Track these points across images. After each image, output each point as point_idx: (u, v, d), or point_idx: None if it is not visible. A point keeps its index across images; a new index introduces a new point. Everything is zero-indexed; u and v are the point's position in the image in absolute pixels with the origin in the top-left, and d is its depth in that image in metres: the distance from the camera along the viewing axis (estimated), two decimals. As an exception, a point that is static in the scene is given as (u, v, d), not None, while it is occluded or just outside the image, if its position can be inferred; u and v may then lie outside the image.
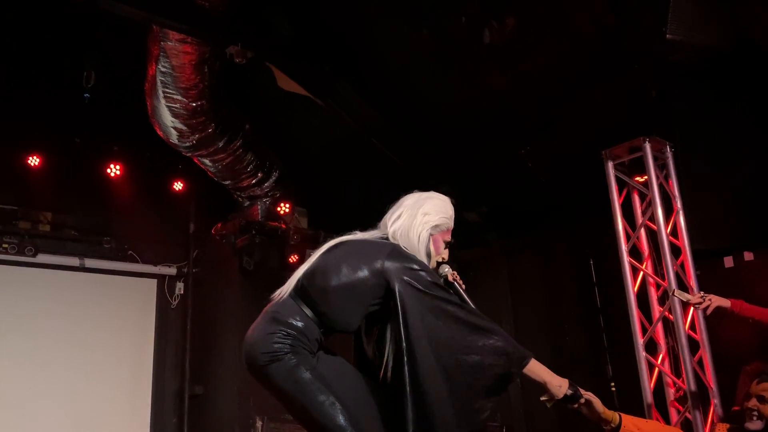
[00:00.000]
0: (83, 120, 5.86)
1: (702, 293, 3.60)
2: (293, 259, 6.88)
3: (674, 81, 4.48)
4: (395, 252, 2.41)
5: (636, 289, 4.51)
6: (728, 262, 4.60)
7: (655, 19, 3.83)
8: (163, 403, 7.00)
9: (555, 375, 2.39)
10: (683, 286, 4.33)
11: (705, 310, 3.56)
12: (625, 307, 4.46)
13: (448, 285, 2.56)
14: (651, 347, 4.44)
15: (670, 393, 4.34)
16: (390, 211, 2.62)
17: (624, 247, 4.56)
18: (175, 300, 7.27)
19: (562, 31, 4.66)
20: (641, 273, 4.56)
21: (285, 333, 2.31)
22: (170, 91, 5.26)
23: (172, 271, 7.23)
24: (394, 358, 2.34)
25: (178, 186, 6.92)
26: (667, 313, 4.37)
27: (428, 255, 2.54)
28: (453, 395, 2.27)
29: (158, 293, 7.17)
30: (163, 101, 5.34)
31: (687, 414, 4.16)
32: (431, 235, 2.56)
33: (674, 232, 4.46)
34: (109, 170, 6.38)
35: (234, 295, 6.92)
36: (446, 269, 2.61)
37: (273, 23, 5.46)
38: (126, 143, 6.45)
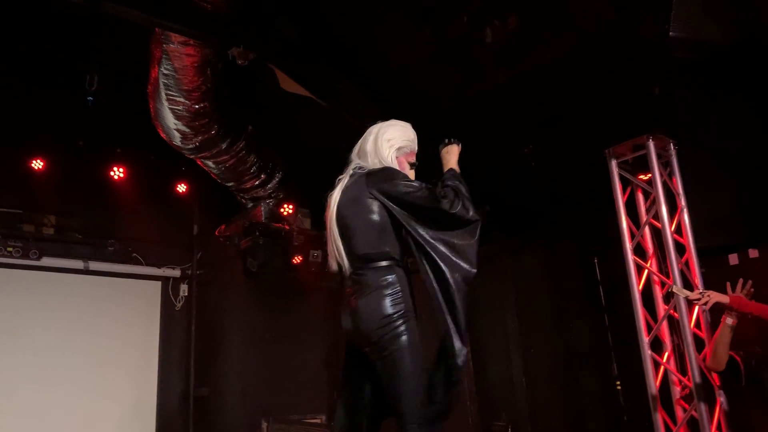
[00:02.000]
0: (87, 123, 5.89)
1: (701, 289, 3.61)
2: (297, 260, 6.89)
3: (677, 78, 4.46)
4: (371, 175, 2.78)
5: (641, 287, 4.49)
6: (733, 259, 4.57)
7: (657, 15, 3.82)
8: (169, 405, 7.01)
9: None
10: (688, 284, 4.31)
11: (705, 305, 3.59)
12: (630, 305, 4.44)
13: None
14: (656, 345, 4.42)
15: (676, 391, 4.32)
16: (357, 145, 2.96)
17: (628, 246, 4.54)
18: (179, 302, 7.28)
19: (565, 28, 4.64)
20: (646, 271, 4.54)
21: (394, 296, 2.68)
22: (173, 93, 5.27)
23: (176, 273, 7.25)
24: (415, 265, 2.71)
25: (181, 188, 6.94)
26: (672, 311, 4.35)
27: None
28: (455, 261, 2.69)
29: (162, 295, 7.20)
30: (165, 103, 5.35)
31: (693, 412, 4.14)
32: (396, 156, 2.89)
33: (679, 230, 4.45)
34: (112, 173, 6.41)
35: (238, 297, 6.93)
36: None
37: (275, 25, 5.47)
38: (129, 146, 6.48)
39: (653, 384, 4.30)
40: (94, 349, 6.62)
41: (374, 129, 2.96)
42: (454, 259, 2.68)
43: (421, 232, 2.69)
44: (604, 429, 5.18)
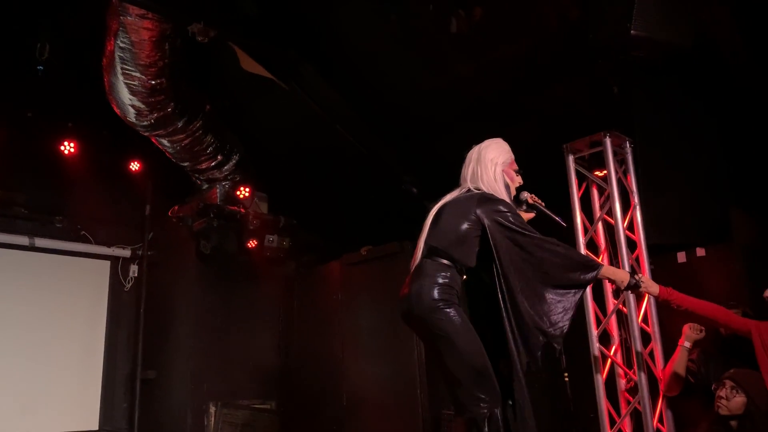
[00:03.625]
0: (36, 94, 5.67)
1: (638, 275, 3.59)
2: (252, 244, 6.80)
3: (636, 77, 4.55)
4: (483, 198, 3.08)
5: (592, 281, 4.57)
6: (681, 257, 4.70)
7: (619, 14, 3.88)
8: (114, 388, 6.86)
9: (617, 271, 3.35)
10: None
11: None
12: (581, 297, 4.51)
13: (530, 207, 3.41)
14: (604, 339, 4.52)
15: (622, 383, 4.43)
16: (463, 170, 3.28)
17: (581, 240, 4.62)
18: (128, 283, 7.12)
19: (529, 23, 4.68)
20: (597, 266, 4.62)
21: (442, 286, 2.94)
22: (129, 67, 5.11)
23: (126, 253, 7.08)
24: (493, 281, 2.99)
25: (134, 166, 6.77)
26: (621, 305, 4.45)
27: (507, 186, 3.21)
28: (540, 307, 2.93)
29: (111, 275, 7.02)
30: (121, 78, 5.19)
31: (637, 405, 4.25)
32: (503, 170, 3.22)
33: (631, 227, 4.54)
34: (62, 147, 6.19)
35: (190, 279, 6.81)
36: (525, 195, 3.39)
37: (237, 2, 5.35)
38: (81, 120, 6.26)
39: (600, 376, 4.40)
40: (38, 329, 6.41)
41: (473, 154, 3.28)
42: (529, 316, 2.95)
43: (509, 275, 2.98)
44: (551, 419, 5.27)
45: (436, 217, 3.15)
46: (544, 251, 2.99)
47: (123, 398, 6.88)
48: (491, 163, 3.20)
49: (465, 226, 3.04)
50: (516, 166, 3.31)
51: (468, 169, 3.26)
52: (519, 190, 3.36)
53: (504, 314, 2.93)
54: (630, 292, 3.56)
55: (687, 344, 3.93)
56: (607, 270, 3.28)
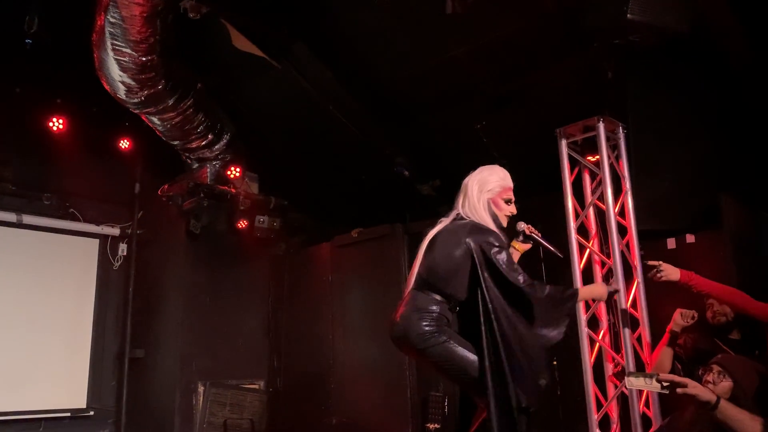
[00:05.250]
0: (24, 69, 5.58)
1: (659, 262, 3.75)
2: (242, 224, 6.77)
3: (630, 62, 4.53)
4: (474, 228, 3.11)
5: (582, 266, 4.59)
6: (671, 243, 4.71)
7: (616, -3, 3.85)
8: (102, 366, 6.86)
9: (593, 288, 3.58)
10: (627, 265, 4.44)
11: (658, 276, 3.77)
12: (571, 283, 4.53)
13: (527, 238, 3.42)
14: (593, 323, 4.54)
15: (609, 368, 4.46)
16: (457, 195, 3.29)
17: (572, 225, 4.62)
18: (117, 261, 7.10)
19: (524, 6, 4.64)
20: (587, 251, 4.64)
21: (430, 318, 3.01)
22: (119, 43, 5.03)
23: (115, 231, 7.05)
24: (482, 315, 3.01)
25: (124, 144, 6.72)
26: (610, 290, 4.45)
27: (494, 216, 3.20)
28: (530, 350, 2.98)
29: (100, 254, 7.00)
30: (111, 54, 5.10)
31: (624, 388, 4.29)
32: (489, 199, 3.21)
33: (622, 212, 4.55)
34: (51, 123, 6.13)
35: (179, 259, 6.78)
36: (521, 226, 3.42)
37: (230, -22, 5.27)
38: (70, 96, 6.19)
39: (588, 360, 4.42)
40: (25, 306, 6.39)
41: (465, 181, 3.30)
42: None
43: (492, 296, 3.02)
44: (539, 400, 5.30)
45: (430, 245, 3.18)
46: (524, 295, 2.99)
47: (111, 377, 6.90)
48: (478, 191, 3.22)
49: (456, 258, 3.08)
50: (508, 195, 3.29)
51: (459, 195, 3.29)
52: (516, 219, 3.36)
53: (490, 350, 2.96)
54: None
55: (676, 329, 3.95)
56: (584, 292, 3.51)
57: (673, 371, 4.01)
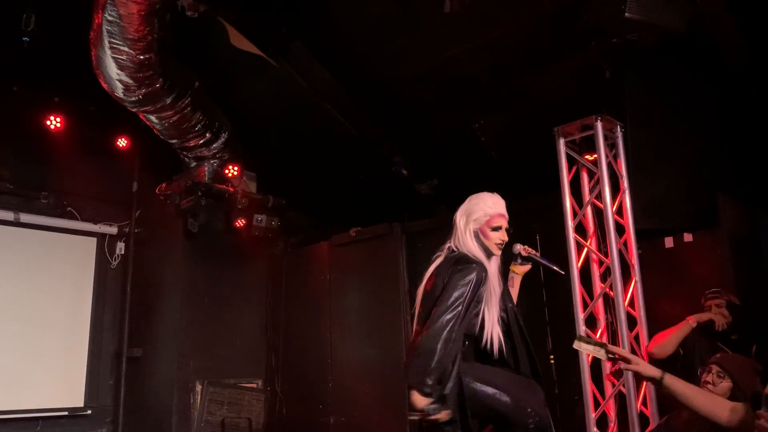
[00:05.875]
0: (22, 67, 5.57)
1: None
2: (240, 223, 6.76)
3: (628, 61, 4.53)
4: (458, 261, 3.05)
5: (579, 264, 4.59)
6: (669, 242, 4.71)
7: (614, -4, 3.85)
8: (100, 365, 6.86)
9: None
10: (625, 263, 4.44)
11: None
12: (568, 281, 4.54)
13: (525, 260, 3.35)
14: (591, 322, 4.55)
15: (606, 367, 4.46)
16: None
17: (570, 224, 4.63)
18: (115, 260, 7.09)
19: (522, 4, 4.64)
20: (585, 249, 4.64)
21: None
22: (117, 42, 5.01)
23: (113, 230, 7.04)
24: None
25: (122, 142, 6.70)
26: (608, 289, 4.47)
27: (483, 246, 3.12)
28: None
29: (98, 252, 6.99)
30: (108, 52, 5.09)
31: (621, 387, 4.29)
32: (476, 229, 3.14)
33: (619, 211, 4.55)
34: (48, 122, 6.11)
35: (177, 257, 6.77)
36: (518, 248, 3.34)
37: (227, -23, 5.26)
38: (68, 95, 6.17)
39: (585, 359, 4.43)
40: (23, 305, 6.38)
41: (456, 213, 3.25)
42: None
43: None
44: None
45: (427, 283, 3.16)
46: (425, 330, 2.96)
47: (109, 376, 6.89)
48: (465, 222, 3.16)
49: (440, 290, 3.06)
50: (497, 223, 3.15)
51: (451, 231, 3.24)
52: (512, 241, 3.26)
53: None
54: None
55: (693, 323, 3.99)
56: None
57: (674, 357, 4.03)
